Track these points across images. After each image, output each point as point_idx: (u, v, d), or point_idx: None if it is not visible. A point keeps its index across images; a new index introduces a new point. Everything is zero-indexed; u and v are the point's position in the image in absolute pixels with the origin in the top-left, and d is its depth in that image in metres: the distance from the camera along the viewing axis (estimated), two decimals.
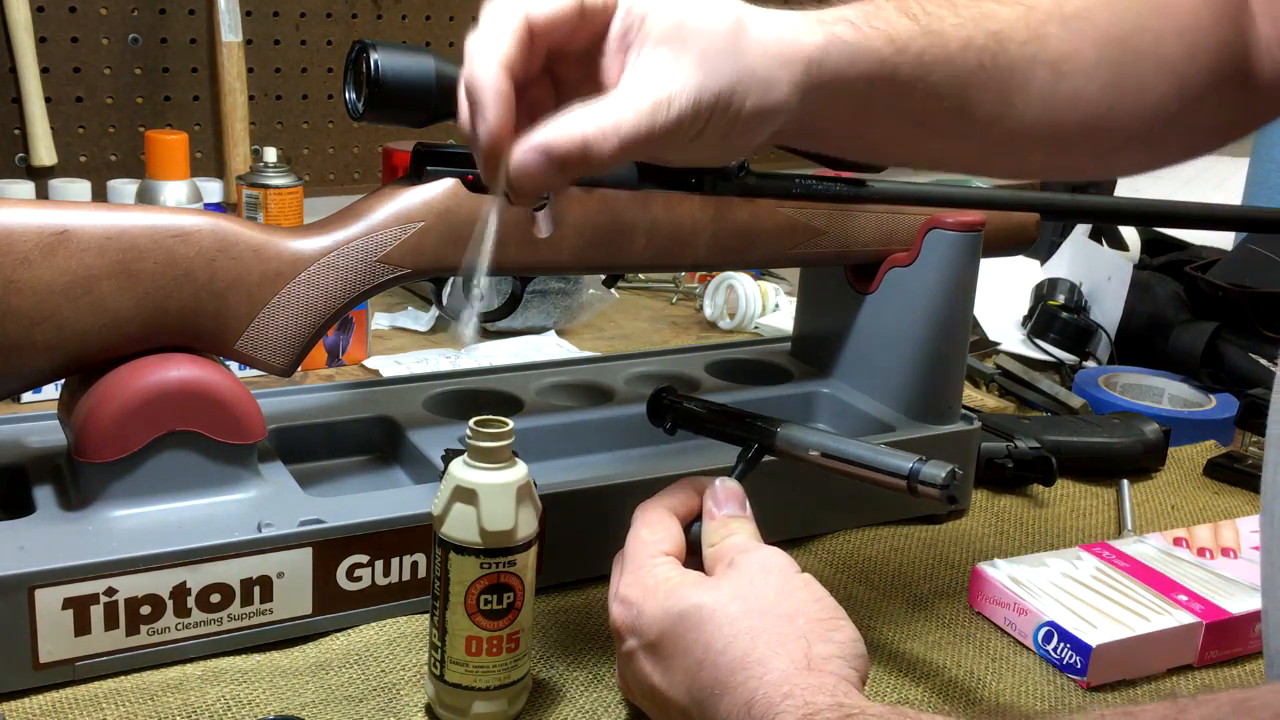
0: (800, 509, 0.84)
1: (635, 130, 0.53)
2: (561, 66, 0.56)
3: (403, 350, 1.23)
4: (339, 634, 0.70)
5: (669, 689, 0.56)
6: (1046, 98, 0.61)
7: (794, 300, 1.14)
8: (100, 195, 1.40)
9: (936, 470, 0.63)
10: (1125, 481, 0.98)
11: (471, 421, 0.60)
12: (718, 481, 0.65)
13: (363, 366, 1.18)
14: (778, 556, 0.60)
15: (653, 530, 0.62)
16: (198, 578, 0.65)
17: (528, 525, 0.61)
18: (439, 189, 0.77)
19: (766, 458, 0.70)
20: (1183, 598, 0.75)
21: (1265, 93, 0.65)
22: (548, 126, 0.53)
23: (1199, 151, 0.68)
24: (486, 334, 1.30)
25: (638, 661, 0.58)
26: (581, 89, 0.55)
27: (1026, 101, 0.61)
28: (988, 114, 0.61)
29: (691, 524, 0.64)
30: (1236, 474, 1.01)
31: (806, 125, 0.59)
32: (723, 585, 0.58)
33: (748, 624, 0.55)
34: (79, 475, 0.69)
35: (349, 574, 0.70)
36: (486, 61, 0.52)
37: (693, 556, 0.63)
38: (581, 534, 0.75)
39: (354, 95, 0.74)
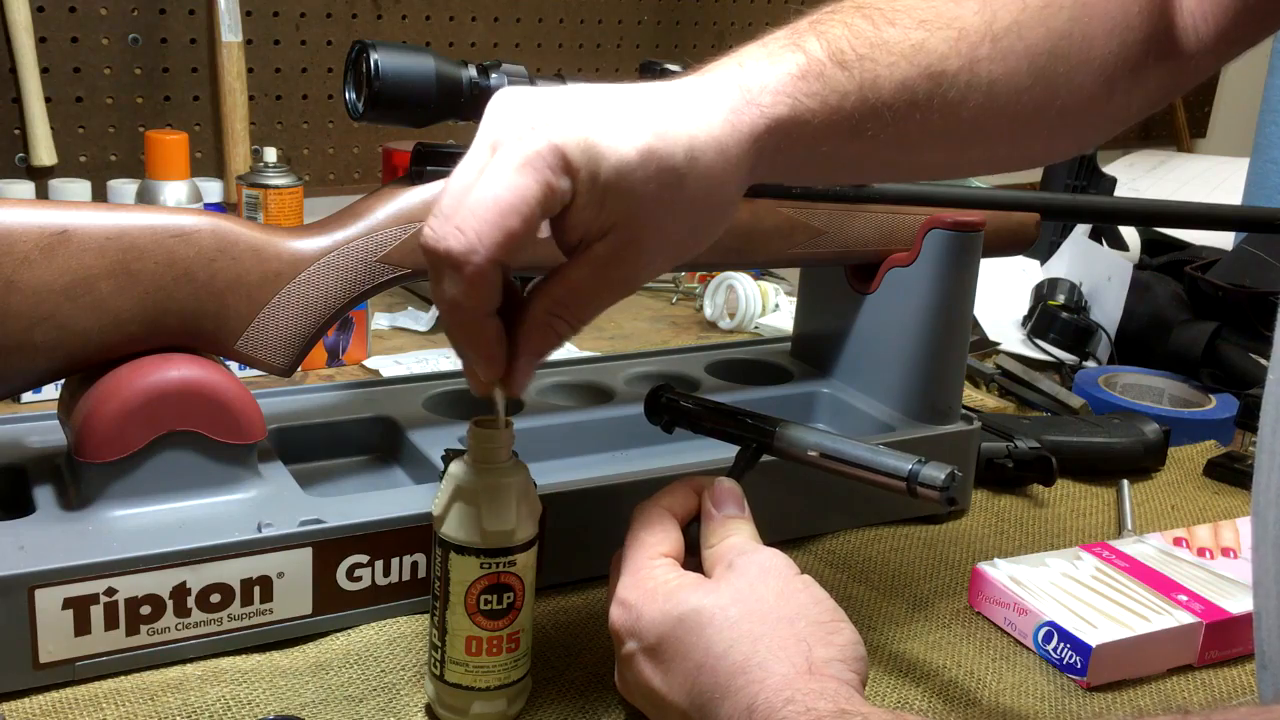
0: (800, 509, 0.84)
1: (601, 310, 0.57)
2: None
3: (403, 350, 1.23)
4: (339, 634, 0.70)
5: (669, 692, 0.56)
6: (979, 117, 0.62)
7: (794, 300, 1.14)
8: (100, 195, 1.40)
9: (936, 472, 0.63)
10: (1125, 481, 0.98)
11: (471, 421, 0.60)
12: (716, 481, 0.65)
13: (363, 366, 1.18)
14: (777, 558, 0.59)
15: (651, 531, 0.62)
16: (198, 578, 0.65)
17: (528, 525, 0.61)
18: (439, 189, 0.76)
19: (765, 457, 0.70)
20: (1183, 598, 0.75)
21: (1188, 65, 0.67)
22: (532, 337, 0.56)
23: (1125, 127, 0.69)
24: None
25: (637, 664, 0.58)
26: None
27: (959, 123, 0.62)
28: (921, 141, 0.62)
29: (690, 524, 0.64)
30: (1236, 474, 1.01)
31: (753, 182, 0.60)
32: (722, 588, 0.57)
33: (748, 628, 0.55)
34: (79, 475, 0.69)
35: (349, 574, 0.70)
36: (473, 318, 0.54)
37: (691, 557, 0.63)
38: (581, 534, 0.75)
39: (354, 95, 0.74)
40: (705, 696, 0.54)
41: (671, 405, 0.77)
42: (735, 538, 0.61)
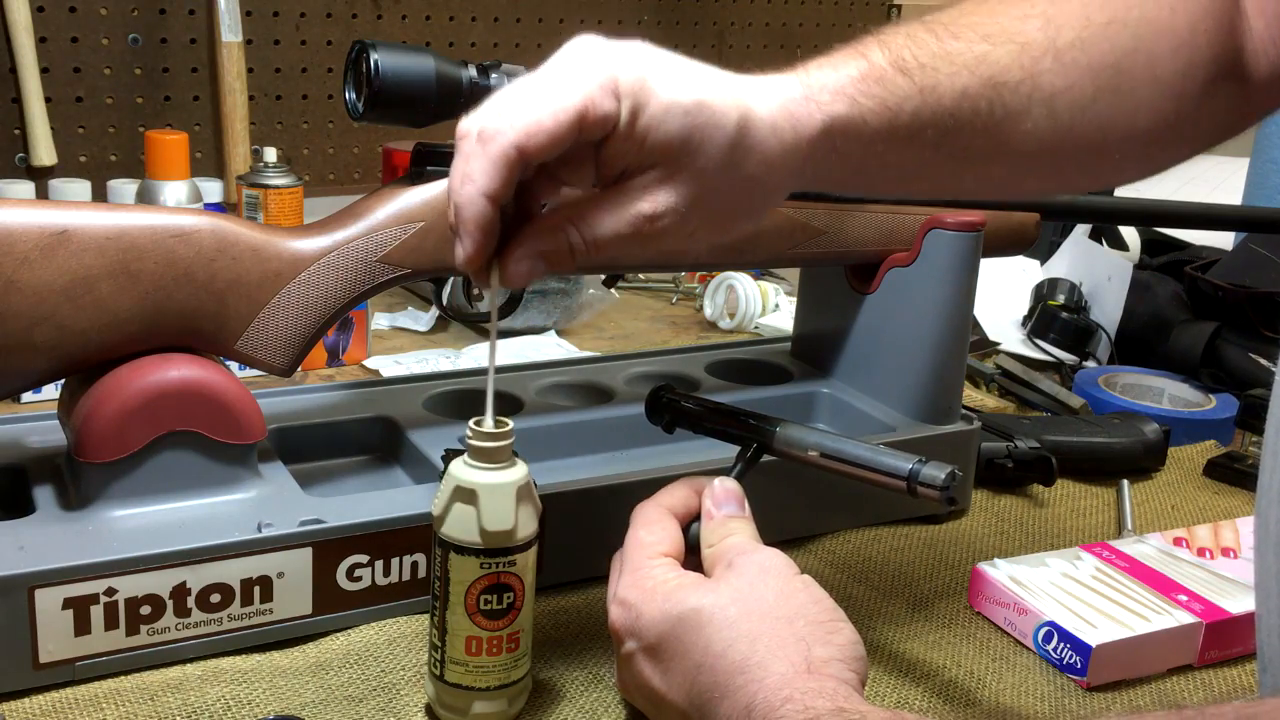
0: (800, 509, 0.84)
1: (619, 243, 0.56)
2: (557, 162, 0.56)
3: (403, 350, 1.23)
4: (339, 634, 0.70)
5: (668, 691, 0.56)
6: (1042, 134, 0.61)
7: (794, 300, 1.14)
8: (100, 195, 1.40)
9: (936, 471, 0.63)
10: (1125, 481, 0.98)
11: (471, 421, 0.60)
12: (716, 481, 0.65)
13: (363, 366, 1.18)
14: (777, 558, 0.59)
15: (651, 531, 0.62)
16: (198, 578, 0.65)
17: (528, 525, 0.61)
18: (439, 189, 0.77)
19: (765, 457, 0.70)
20: (1183, 598, 0.75)
21: (1260, 90, 0.66)
22: (536, 233, 0.56)
23: (1195, 153, 0.68)
24: (486, 334, 1.30)
25: (637, 664, 0.58)
26: (581, 170, 0.57)
27: (1022, 139, 0.61)
28: (982, 154, 0.62)
29: (690, 524, 0.64)
30: (1236, 474, 1.01)
31: (803, 186, 0.61)
32: (721, 587, 0.58)
33: (747, 627, 0.55)
34: (79, 475, 0.69)
35: (349, 574, 0.70)
36: (471, 192, 0.53)
37: (691, 556, 0.63)
38: (581, 534, 0.75)
39: (354, 95, 0.74)
40: (704, 696, 0.54)
41: (672, 405, 0.77)
42: (735, 537, 0.61)
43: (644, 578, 0.59)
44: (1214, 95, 0.64)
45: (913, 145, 0.60)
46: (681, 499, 0.65)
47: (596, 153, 0.56)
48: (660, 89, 0.54)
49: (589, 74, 0.54)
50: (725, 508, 0.63)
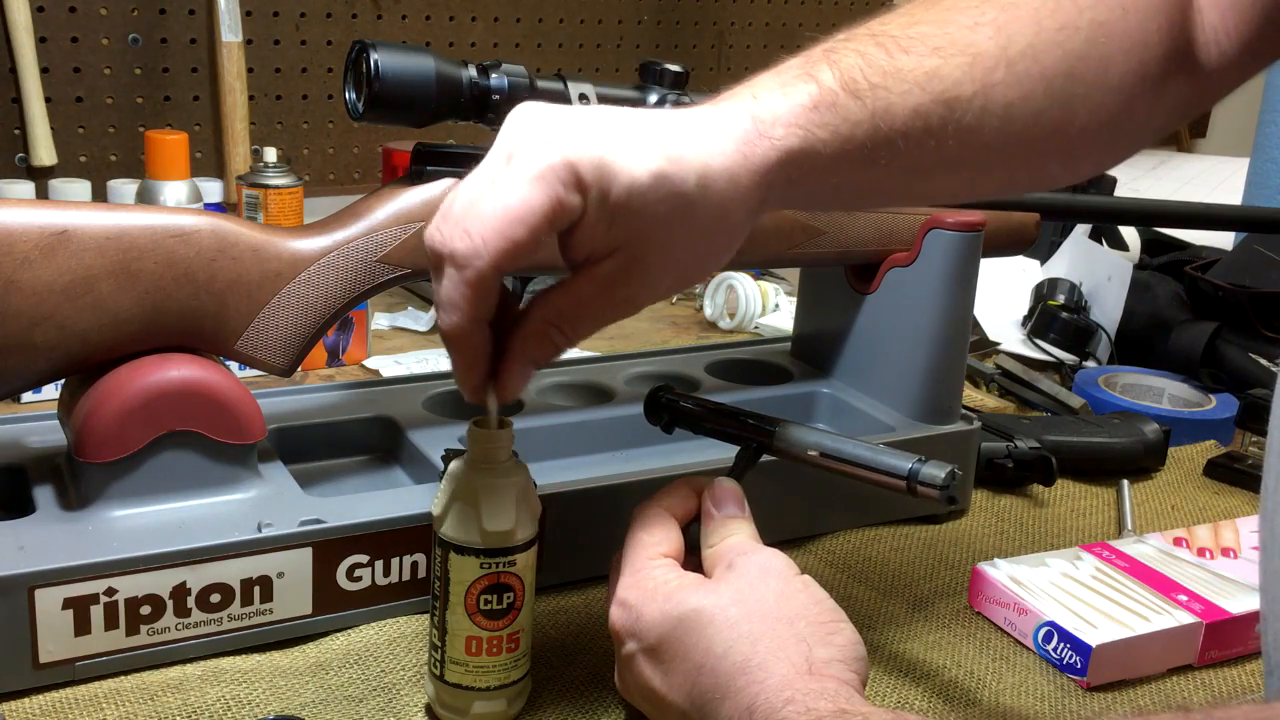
0: (800, 509, 0.84)
1: (600, 326, 0.58)
2: None
3: (403, 350, 1.23)
4: (339, 634, 0.70)
5: (669, 693, 0.56)
6: (995, 143, 0.61)
7: (794, 300, 1.14)
8: (100, 195, 1.40)
9: (936, 470, 0.63)
10: (1125, 481, 0.98)
11: (471, 421, 0.60)
12: (716, 481, 0.65)
13: (363, 366, 1.18)
14: (777, 559, 0.59)
15: (650, 532, 0.62)
16: (198, 578, 0.65)
17: (528, 525, 0.61)
18: (439, 189, 0.77)
19: (765, 457, 0.70)
20: (1183, 598, 0.75)
21: (1212, 79, 0.66)
22: (526, 344, 0.57)
23: (1148, 145, 0.68)
24: None
25: (637, 665, 0.58)
26: (539, 257, 0.55)
27: (975, 150, 0.61)
28: (935, 167, 0.61)
29: (689, 524, 0.64)
30: (1236, 474, 1.01)
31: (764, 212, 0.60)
32: (722, 588, 0.58)
33: (747, 628, 0.55)
34: (79, 475, 0.69)
35: (349, 574, 0.70)
36: (461, 324, 0.54)
37: (691, 557, 0.63)
38: (581, 534, 0.75)
39: (354, 95, 0.74)
40: (705, 697, 0.54)
41: (671, 405, 0.77)
42: (735, 538, 0.61)
43: (644, 579, 0.59)
44: (1166, 90, 0.64)
45: (866, 167, 0.59)
46: (681, 499, 0.65)
47: (560, 240, 0.56)
48: (620, 168, 0.53)
49: (548, 167, 0.52)
50: (725, 508, 0.63)
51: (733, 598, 0.57)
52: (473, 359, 0.56)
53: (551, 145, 0.53)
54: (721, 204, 0.56)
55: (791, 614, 0.56)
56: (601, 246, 0.55)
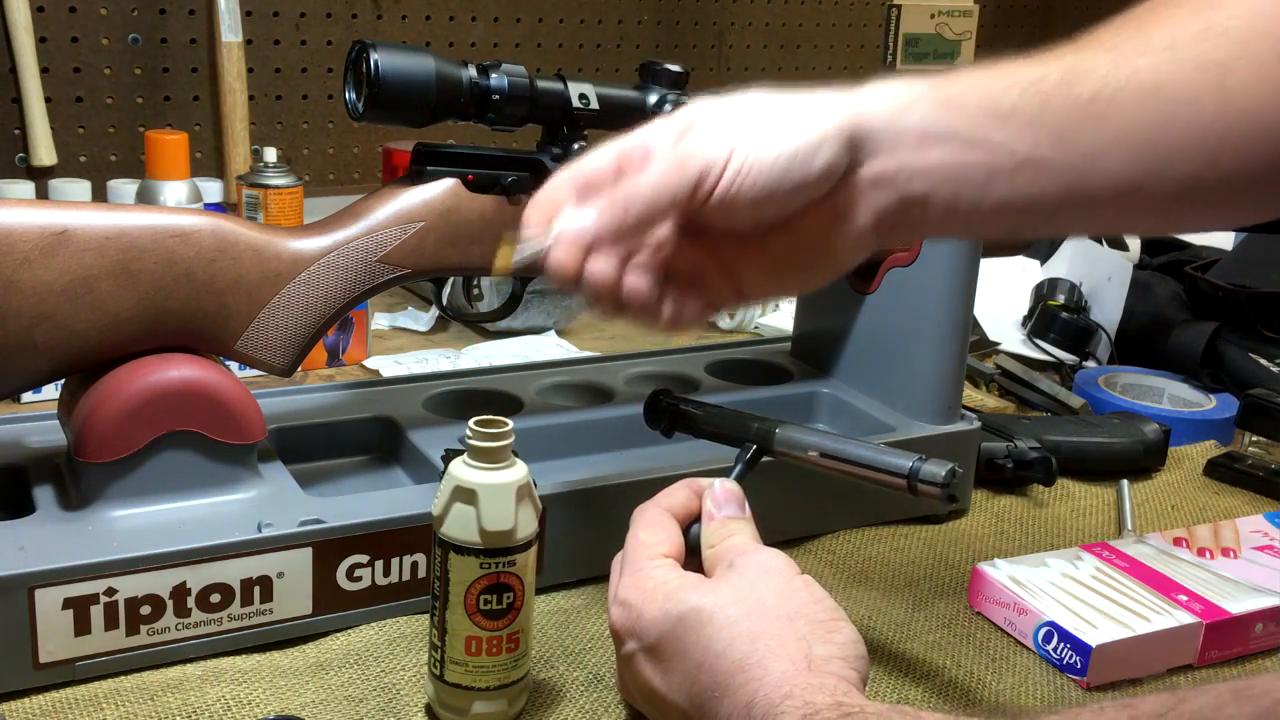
0: (800, 509, 0.84)
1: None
2: None
3: (403, 350, 1.23)
4: (339, 634, 0.70)
5: (669, 691, 0.57)
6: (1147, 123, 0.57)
7: (794, 300, 1.14)
8: (100, 195, 1.40)
9: (937, 469, 0.63)
10: (1125, 481, 0.98)
11: (471, 421, 0.60)
12: (716, 483, 0.65)
13: (363, 366, 1.18)
14: (777, 558, 0.59)
15: (651, 532, 0.62)
16: (198, 578, 0.65)
17: (528, 525, 0.61)
18: (439, 189, 0.77)
19: (765, 458, 0.70)
20: (1183, 598, 0.75)
21: None
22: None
23: None
24: (486, 334, 1.30)
25: (637, 664, 0.58)
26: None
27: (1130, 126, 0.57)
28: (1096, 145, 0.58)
29: (690, 525, 0.64)
30: (1236, 474, 1.01)
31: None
32: (722, 587, 0.58)
33: (747, 626, 0.55)
34: (79, 475, 0.69)
35: (349, 574, 0.70)
36: (536, 197, 0.60)
37: (692, 558, 0.63)
38: (581, 534, 0.75)
39: (354, 95, 0.74)
40: (705, 695, 0.54)
41: (671, 410, 0.77)
42: (736, 538, 0.61)
43: (644, 578, 0.59)
44: None
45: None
46: (682, 500, 0.65)
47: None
48: (752, 152, 0.57)
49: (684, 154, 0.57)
50: (725, 509, 0.63)
51: (732, 596, 0.57)
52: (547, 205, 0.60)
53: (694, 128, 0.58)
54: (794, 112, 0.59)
55: (791, 612, 0.56)
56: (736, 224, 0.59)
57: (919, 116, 0.58)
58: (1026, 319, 1.35)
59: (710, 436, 0.75)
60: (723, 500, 0.64)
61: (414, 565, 0.71)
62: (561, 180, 0.60)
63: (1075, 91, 0.57)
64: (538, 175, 0.80)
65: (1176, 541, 0.83)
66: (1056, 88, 0.57)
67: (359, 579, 0.70)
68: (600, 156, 0.60)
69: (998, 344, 1.29)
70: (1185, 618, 0.73)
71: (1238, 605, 0.75)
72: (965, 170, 0.58)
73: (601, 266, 0.58)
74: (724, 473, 0.68)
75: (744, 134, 0.57)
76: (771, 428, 0.70)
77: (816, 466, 0.68)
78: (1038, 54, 0.59)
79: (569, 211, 0.59)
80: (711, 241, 0.61)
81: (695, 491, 0.65)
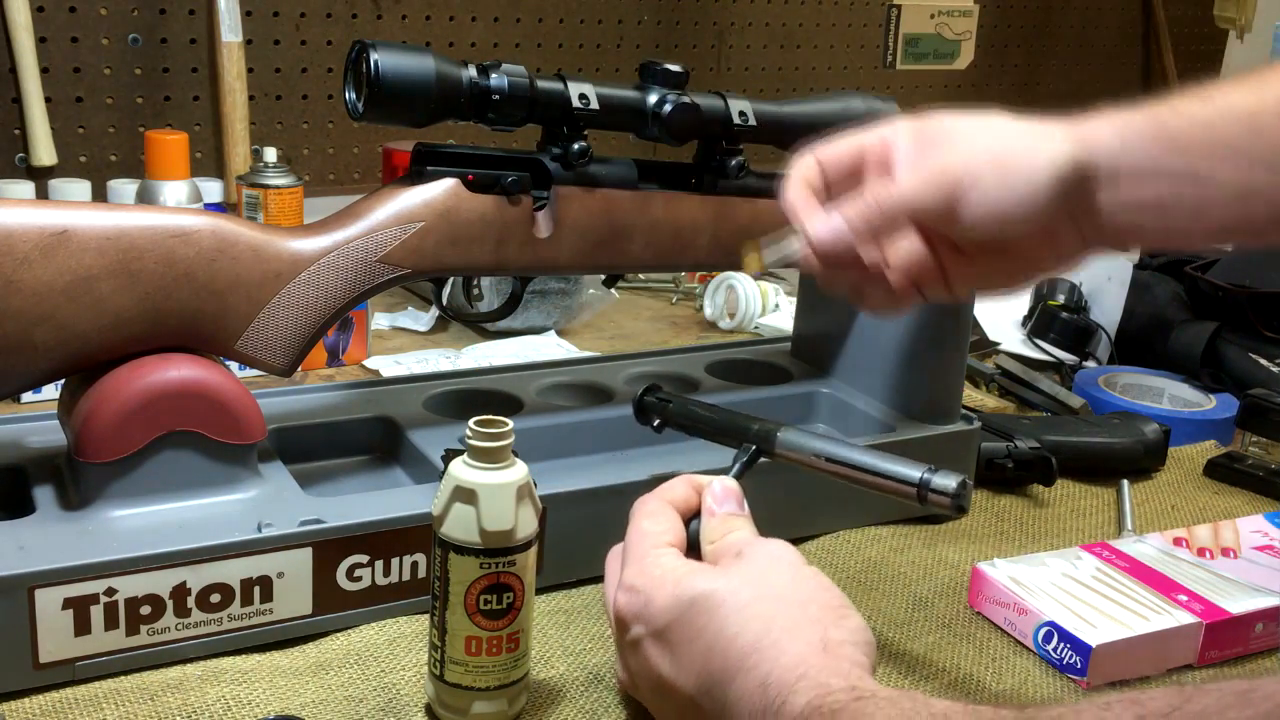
0: (800, 509, 0.84)
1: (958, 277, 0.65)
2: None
3: (403, 350, 1.23)
4: (339, 634, 0.70)
5: (676, 677, 0.56)
6: None
7: (794, 300, 1.14)
8: (100, 195, 1.40)
9: (948, 480, 0.63)
10: (1125, 481, 0.98)
11: (471, 421, 0.60)
12: (716, 480, 0.65)
13: (363, 366, 1.18)
14: (786, 548, 0.60)
15: (655, 522, 0.62)
16: (198, 578, 0.65)
17: (528, 525, 0.61)
18: (439, 189, 0.77)
19: (763, 459, 0.70)
20: (1183, 598, 0.75)
21: None
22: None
23: None
24: (486, 334, 1.30)
25: (644, 650, 0.58)
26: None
27: None
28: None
29: (689, 520, 0.64)
30: (1236, 474, 1.01)
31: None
32: (733, 573, 0.58)
33: (761, 609, 0.55)
34: (79, 475, 0.69)
35: (349, 574, 0.70)
36: (794, 181, 0.66)
37: (690, 553, 0.63)
38: (581, 534, 0.75)
39: (354, 95, 0.74)
40: (716, 677, 0.54)
41: (659, 407, 0.77)
42: (739, 533, 0.62)
43: (652, 565, 0.60)
44: None
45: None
46: (681, 495, 0.65)
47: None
48: (978, 174, 0.61)
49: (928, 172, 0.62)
50: (725, 506, 0.63)
51: (745, 581, 0.57)
52: (803, 205, 0.65)
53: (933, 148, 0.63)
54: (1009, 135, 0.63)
55: (804, 598, 0.56)
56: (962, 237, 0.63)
57: (1141, 155, 0.61)
58: (1026, 319, 1.35)
59: (704, 435, 0.75)
60: (722, 498, 0.64)
61: (414, 565, 0.71)
62: (804, 175, 0.66)
63: None
64: (538, 175, 0.80)
65: (1176, 541, 0.83)
66: (1275, 120, 0.59)
67: (359, 579, 0.70)
68: (838, 150, 0.66)
69: (998, 344, 1.29)
70: (1185, 618, 0.73)
71: (1238, 605, 0.75)
72: (1181, 202, 0.61)
73: (854, 266, 0.64)
74: (724, 472, 0.67)
75: (989, 161, 0.61)
76: (773, 430, 0.70)
77: (820, 471, 0.68)
78: (1251, 76, 0.62)
79: (817, 215, 0.64)
80: (930, 242, 0.64)
81: (694, 488, 0.65)
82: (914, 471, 0.63)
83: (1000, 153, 0.61)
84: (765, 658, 0.53)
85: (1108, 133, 0.61)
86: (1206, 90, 0.61)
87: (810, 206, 0.65)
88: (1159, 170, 0.60)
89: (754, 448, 0.70)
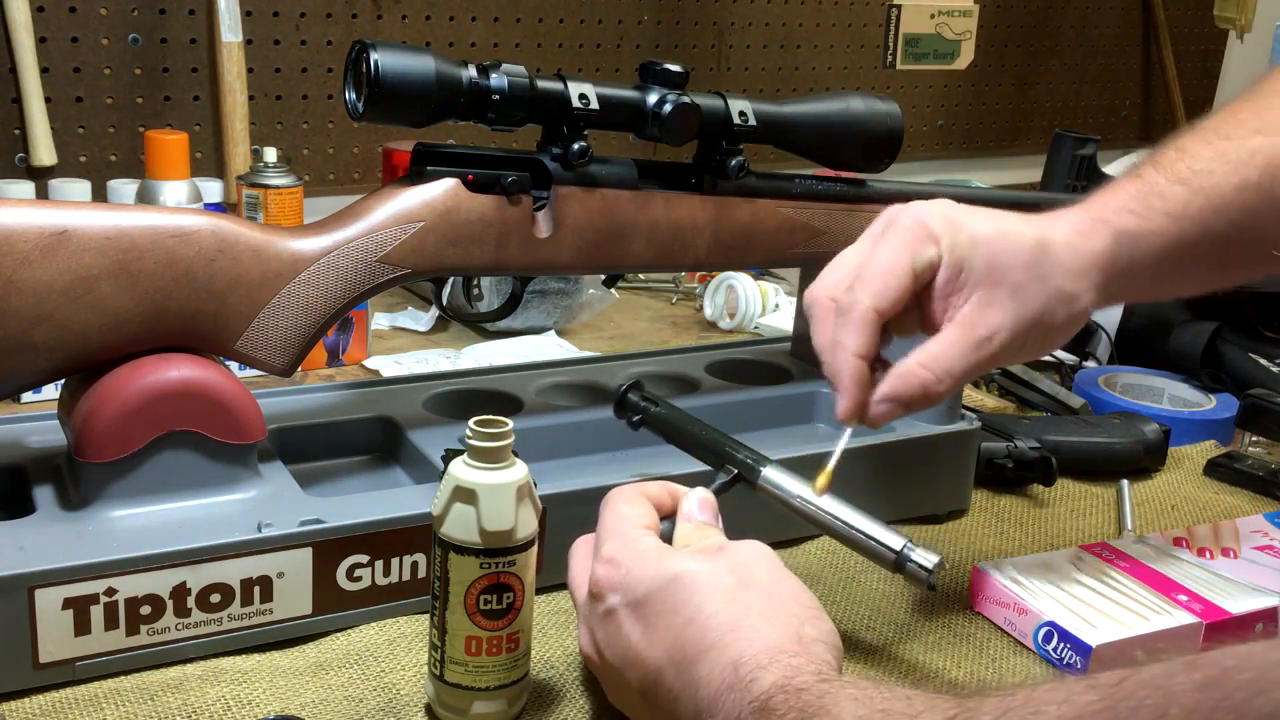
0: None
1: (965, 369, 0.65)
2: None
3: (403, 350, 1.23)
4: (339, 634, 0.70)
5: (647, 648, 0.57)
6: None
7: (794, 300, 1.14)
8: (100, 195, 1.40)
9: (926, 558, 0.64)
10: (1125, 481, 0.98)
11: (471, 421, 0.60)
12: (694, 491, 0.65)
13: (363, 366, 1.18)
14: (765, 548, 0.61)
15: (633, 507, 0.63)
16: (198, 578, 0.65)
17: (528, 525, 0.61)
18: (439, 189, 0.77)
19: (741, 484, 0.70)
20: (1183, 598, 0.75)
21: None
22: (894, 378, 0.64)
23: None
24: (486, 334, 1.30)
25: (616, 619, 0.58)
26: (909, 319, 0.67)
27: None
28: (1276, 233, 0.67)
29: (662, 520, 0.64)
30: (1236, 474, 1.01)
31: (1106, 301, 0.69)
32: (717, 559, 0.59)
33: (742, 595, 0.56)
34: (79, 475, 0.69)
35: (349, 574, 0.70)
36: (846, 355, 0.64)
37: None
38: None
39: (354, 95, 0.74)
40: (689, 650, 0.55)
41: (638, 408, 0.77)
42: (714, 539, 0.62)
43: (635, 541, 0.60)
44: None
45: (1203, 244, 0.66)
46: (655, 493, 0.65)
47: (921, 302, 0.66)
48: (965, 226, 0.65)
49: (905, 230, 0.65)
50: (702, 515, 0.64)
51: (727, 569, 0.58)
52: (855, 389, 0.64)
53: (909, 216, 0.66)
54: (1063, 266, 0.65)
55: (783, 593, 0.57)
56: (958, 294, 0.65)
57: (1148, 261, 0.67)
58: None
59: (683, 448, 0.75)
60: (699, 508, 0.64)
61: (414, 565, 0.71)
62: (858, 348, 0.65)
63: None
64: (538, 175, 0.80)
65: (1176, 541, 0.83)
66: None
67: (359, 579, 0.70)
68: (893, 290, 0.65)
69: None
70: (1185, 618, 0.73)
71: (1238, 605, 0.75)
72: (1163, 285, 0.70)
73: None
74: (706, 481, 0.68)
75: (1033, 326, 0.65)
76: (759, 464, 0.69)
77: (799, 514, 0.68)
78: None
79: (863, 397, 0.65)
80: None
81: (669, 493, 0.66)
82: (895, 540, 0.64)
83: (1044, 314, 0.65)
84: (741, 637, 0.54)
85: (1124, 257, 0.66)
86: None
87: (861, 385, 0.65)
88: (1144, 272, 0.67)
89: (736, 472, 0.70)
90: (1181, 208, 0.66)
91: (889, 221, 0.67)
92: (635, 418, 0.78)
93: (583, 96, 0.78)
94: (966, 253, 0.65)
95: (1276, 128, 0.66)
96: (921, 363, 0.64)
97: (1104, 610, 0.73)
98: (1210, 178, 0.66)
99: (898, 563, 0.64)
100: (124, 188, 1.36)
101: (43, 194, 1.38)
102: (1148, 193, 0.67)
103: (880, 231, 0.66)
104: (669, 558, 0.59)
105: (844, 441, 0.66)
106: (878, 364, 0.66)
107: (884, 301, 0.64)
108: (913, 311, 0.66)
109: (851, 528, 0.66)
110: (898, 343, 0.68)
